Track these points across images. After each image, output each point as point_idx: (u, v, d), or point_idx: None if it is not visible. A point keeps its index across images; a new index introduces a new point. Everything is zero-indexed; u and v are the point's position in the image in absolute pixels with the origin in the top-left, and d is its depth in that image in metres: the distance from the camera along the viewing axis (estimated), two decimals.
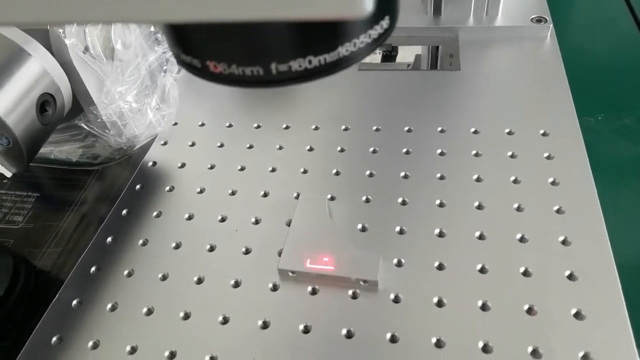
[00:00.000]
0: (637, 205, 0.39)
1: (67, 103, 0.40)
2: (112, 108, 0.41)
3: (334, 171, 0.41)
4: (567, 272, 0.32)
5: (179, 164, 0.44)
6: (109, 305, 0.34)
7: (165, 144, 0.46)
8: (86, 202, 0.43)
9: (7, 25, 0.34)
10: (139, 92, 0.43)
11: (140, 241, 0.38)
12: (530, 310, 0.30)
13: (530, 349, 0.29)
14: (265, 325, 0.32)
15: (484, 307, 0.31)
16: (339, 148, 0.43)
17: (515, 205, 0.36)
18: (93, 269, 0.36)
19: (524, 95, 0.45)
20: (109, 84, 0.41)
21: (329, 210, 0.37)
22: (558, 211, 0.35)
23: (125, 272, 0.36)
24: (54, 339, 0.33)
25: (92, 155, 0.46)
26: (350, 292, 0.33)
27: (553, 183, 0.37)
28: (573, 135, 0.40)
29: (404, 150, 0.42)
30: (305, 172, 0.42)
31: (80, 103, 0.42)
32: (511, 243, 0.34)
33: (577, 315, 0.30)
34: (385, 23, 0.16)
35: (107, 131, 0.43)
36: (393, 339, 0.30)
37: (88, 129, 0.43)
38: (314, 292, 0.33)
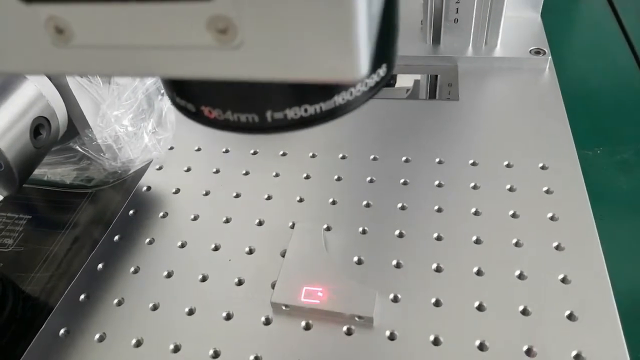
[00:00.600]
0: (638, 241, 0.38)
1: (62, 126, 0.39)
2: (107, 131, 0.41)
3: (331, 200, 0.41)
4: (567, 312, 0.31)
5: (174, 190, 0.43)
6: (98, 335, 0.33)
7: (160, 168, 0.46)
8: (78, 225, 0.42)
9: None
10: (135, 116, 0.43)
11: (132, 269, 0.37)
12: (529, 352, 0.30)
13: None
14: None
15: (482, 347, 0.30)
16: (335, 176, 0.43)
17: (514, 241, 0.36)
18: (82, 296, 0.36)
19: (522, 127, 0.45)
20: (105, 107, 0.40)
21: (325, 241, 0.37)
22: (557, 248, 0.35)
23: (115, 301, 0.35)
24: None
25: (86, 178, 0.46)
26: (344, 328, 0.32)
27: (552, 218, 0.37)
28: (572, 169, 0.40)
29: (402, 180, 0.41)
30: (301, 200, 0.41)
31: (76, 126, 0.41)
32: (510, 280, 0.33)
33: (578, 357, 0.29)
34: (382, 71, 0.16)
35: (102, 154, 0.42)
36: None
37: (83, 151, 0.42)
38: (307, 327, 0.32)
